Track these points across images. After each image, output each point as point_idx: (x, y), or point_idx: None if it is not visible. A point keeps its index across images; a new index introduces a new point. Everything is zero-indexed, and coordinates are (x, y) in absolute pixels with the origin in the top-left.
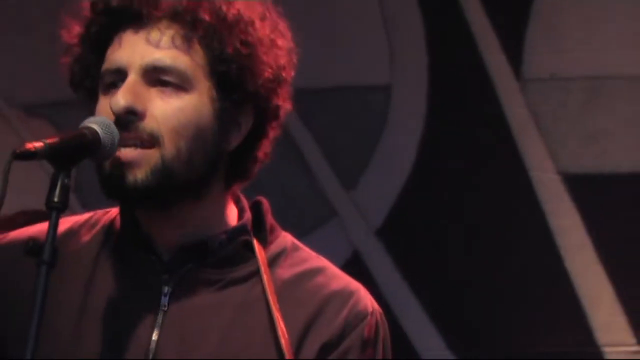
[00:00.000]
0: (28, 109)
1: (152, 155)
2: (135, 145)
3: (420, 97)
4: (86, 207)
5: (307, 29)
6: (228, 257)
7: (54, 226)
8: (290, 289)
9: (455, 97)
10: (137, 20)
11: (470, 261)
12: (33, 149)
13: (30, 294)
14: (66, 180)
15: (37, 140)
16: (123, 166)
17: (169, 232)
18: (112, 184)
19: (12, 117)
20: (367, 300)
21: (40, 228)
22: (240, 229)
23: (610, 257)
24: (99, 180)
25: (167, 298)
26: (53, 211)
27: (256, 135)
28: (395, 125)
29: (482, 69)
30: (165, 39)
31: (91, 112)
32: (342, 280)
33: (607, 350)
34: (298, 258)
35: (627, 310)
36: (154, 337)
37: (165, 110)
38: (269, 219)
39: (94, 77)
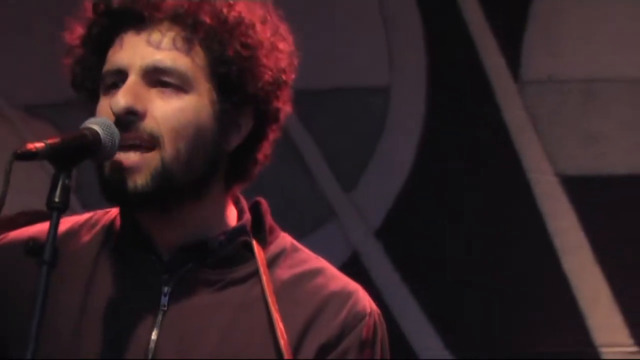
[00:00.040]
0: (29, 109)
1: (152, 159)
2: (136, 145)
3: (419, 99)
4: (86, 208)
5: (307, 31)
6: (227, 257)
7: (54, 226)
8: (289, 290)
9: (454, 99)
10: (138, 21)
11: (468, 262)
12: (34, 150)
13: (30, 294)
14: (67, 181)
15: (38, 140)
16: (123, 171)
17: (168, 233)
18: (112, 189)
19: (13, 117)
20: (365, 301)
21: (40, 228)
22: (239, 230)
23: (607, 258)
24: (99, 183)
25: (166, 298)
26: (54, 211)
27: (256, 137)
28: (395, 127)
29: (480, 71)
30: (166, 41)
31: (92, 113)
32: (340, 281)
33: (605, 351)
34: (297, 259)
35: (624, 310)
36: (154, 336)
37: (166, 110)
38: (268, 220)
39: (95, 78)
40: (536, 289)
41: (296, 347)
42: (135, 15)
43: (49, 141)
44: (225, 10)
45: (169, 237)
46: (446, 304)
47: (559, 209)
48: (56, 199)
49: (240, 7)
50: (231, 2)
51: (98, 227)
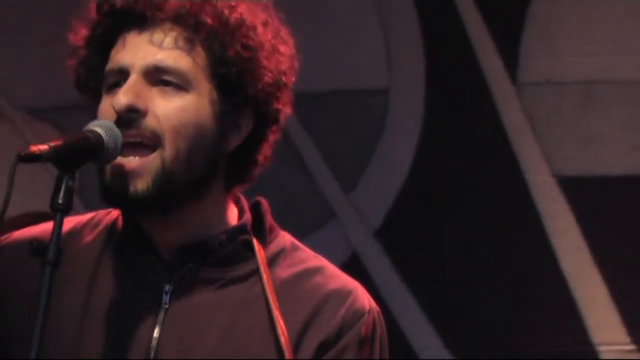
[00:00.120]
0: (32, 111)
1: (152, 163)
2: (137, 143)
3: (418, 101)
4: (89, 209)
5: (307, 34)
6: (228, 256)
7: (58, 227)
8: (289, 288)
9: (453, 101)
10: (141, 22)
11: (467, 262)
12: (38, 152)
13: (34, 294)
14: (70, 183)
15: (41, 142)
16: (124, 175)
17: (169, 233)
18: (113, 194)
19: (16, 119)
20: (364, 299)
21: (43, 228)
22: (240, 229)
23: (605, 258)
24: (99, 187)
25: (168, 296)
26: (57, 213)
27: (256, 138)
28: (394, 128)
29: (478, 73)
30: (168, 40)
31: (95, 114)
32: (340, 279)
33: (602, 349)
34: (297, 258)
35: (621, 310)
36: (155, 334)
37: (167, 109)
38: (269, 219)
39: (98, 78)
40: (534, 289)
41: (296, 345)
42: (137, 16)
43: (53, 144)
44: (226, 12)
45: (169, 237)
46: (446, 304)
47: (557, 210)
48: (60, 201)
49: (242, 10)
50: (233, 4)
51: (100, 227)
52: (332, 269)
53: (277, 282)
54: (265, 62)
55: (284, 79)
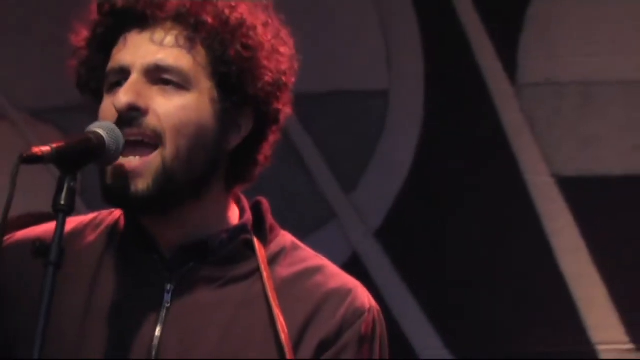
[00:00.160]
0: (34, 112)
1: (153, 162)
2: (139, 142)
3: (418, 102)
4: (91, 209)
5: (307, 35)
6: (229, 255)
7: (60, 228)
8: (289, 287)
9: (452, 102)
10: (142, 21)
11: (467, 262)
12: (40, 153)
13: (36, 294)
14: (72, 184)
15: (43, 143)
16: (125, 175)
17: (170, 233)
18: (114, 194)
19: (18, 120)
20: (364, 297)
21: (46, 228)
22: (241, 228)
23: (604, 257)
24: (100, 188)
25: (169, 295)
26: (59, 213)
27: (256, 138)
28: (394, 129)
29: (477, 74)
30: (169, 39)
31: (96, 115)
32: (340, 278)
33: (601, 349)
34: (297, 257)
35: (620, 309)
36: (157, 333)
37: (168, 108)
38: (269, 219)
39: (99, 77)
40: (533, 289)
41: (296, 343)
42: (138, 15)
43: (55, 145)
44: (227, 12)
45: (170, 237)
46: (446, 304)
47: (556, 210)
48: (62, 202)
49: (243, 10)
50: (233, 4)
51: (102, 227)
52: (332, 268)
53: (277, 281)
54: (265, 62)
55: (283, 79)
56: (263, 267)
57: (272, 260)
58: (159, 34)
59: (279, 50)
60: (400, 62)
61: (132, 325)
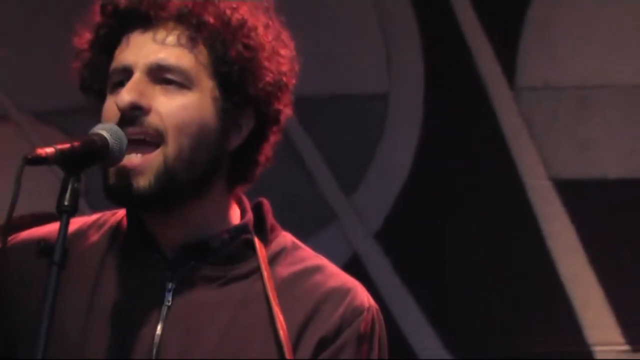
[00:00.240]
0: (38, 114)
1: (154, 160)
2: (141, 141)
3: (417, 105)
4: (94, 210)
5: (307, 38)
6: (230, 255)
7: (64, 229)
8: (289, 287)
9: (451, 105)
10: (144, 21)
11: (465, 263)
12: (44, 155)
13: (40, 294)
14: (76, 185)
15: (47, 145)
16: (127, 174)
17: (171, 232)
18: (116, 193)
19: (22, 122)
20: (363, 297)
21: (50, 229)
22: (242, 228)
23: (600, 259)
24: (103, 188)
25: (170, 294)
26: (63, 214)
27: (257, 138)
28: (394, 131)
29: (476, 78)
30: (171, 38)
31: (99, 116)
32: (339, 277)
33: (598, 350)
34: (297, 257)
35: (616, 310)
36: (158, 331)
37: (170, 107)
38: (270, 219)
39: (103, 78)
40: (531, 290)
41: (296, 342)
42: (141, 16)
43: (59, 146)
44: (229, 12)
45: (171, 236)
46: (445, 304)
47: (553, 212)
48: (66, 203)
49: (244, 11)
50: (235, 5)
51: (105, 228)
52: (332, 268)
53: (277, 281)
54: (266, 63)
55: (284, 79)
56: (263, 266)
57: (273, 260)
58: (161, 34)
59: (279, 52)
60: (399, 64)
61: (133, 324)
